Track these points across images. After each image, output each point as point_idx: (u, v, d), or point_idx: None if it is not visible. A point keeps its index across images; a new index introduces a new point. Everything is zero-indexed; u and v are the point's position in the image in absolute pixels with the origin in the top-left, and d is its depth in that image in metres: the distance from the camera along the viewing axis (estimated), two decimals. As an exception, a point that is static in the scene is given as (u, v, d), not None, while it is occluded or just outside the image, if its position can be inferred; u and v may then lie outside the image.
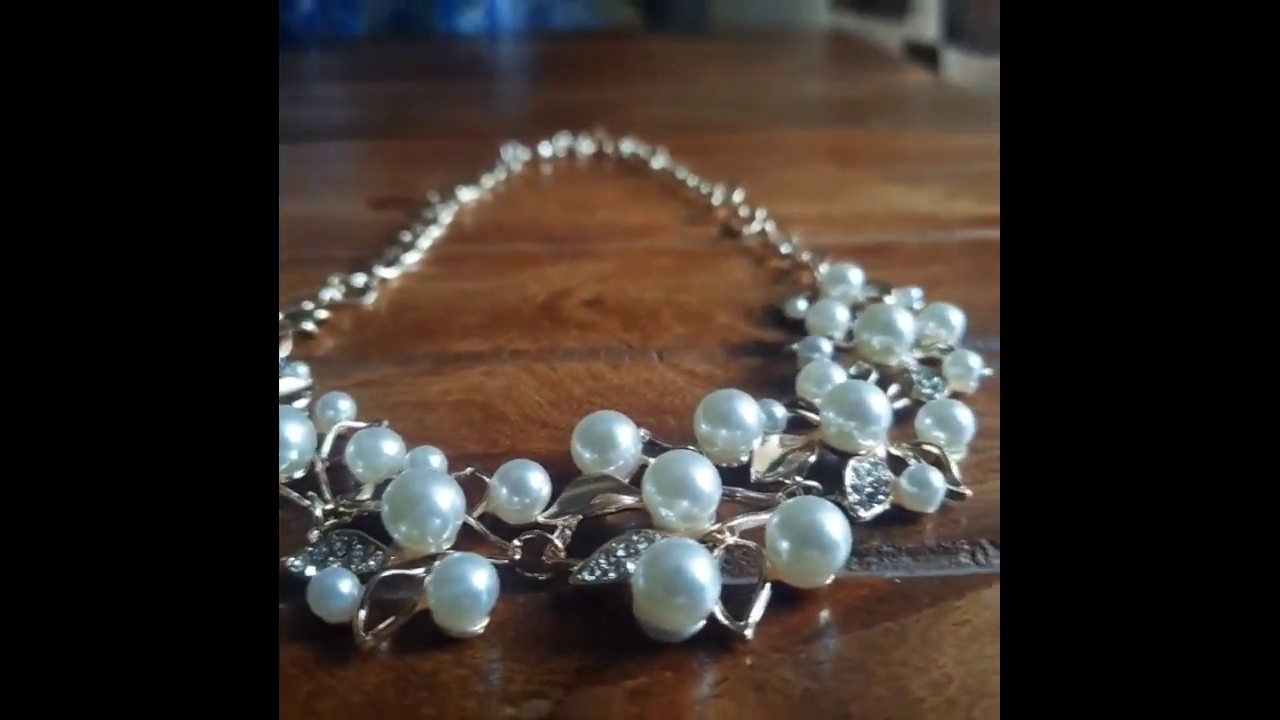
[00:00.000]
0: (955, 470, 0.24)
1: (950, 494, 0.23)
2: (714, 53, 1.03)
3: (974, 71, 0.99)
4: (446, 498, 0.21)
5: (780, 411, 0.26)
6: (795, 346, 0.30)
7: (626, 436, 0.24)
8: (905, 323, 0.29)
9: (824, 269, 0.37)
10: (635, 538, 0.21)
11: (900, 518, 0.23)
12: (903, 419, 0.26)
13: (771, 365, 0.31)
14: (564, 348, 0.32)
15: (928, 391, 0.28)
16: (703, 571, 0.19)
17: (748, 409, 0.24)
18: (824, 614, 0.20)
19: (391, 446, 0.24)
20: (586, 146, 0.58)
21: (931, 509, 0.23)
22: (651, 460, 0.23)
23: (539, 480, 0.22)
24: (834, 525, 0.20)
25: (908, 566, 0.22)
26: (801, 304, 0.34)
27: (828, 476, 0.24)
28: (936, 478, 0.23)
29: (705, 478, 0.21)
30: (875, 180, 0.52)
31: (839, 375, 0.27)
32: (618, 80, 0.86)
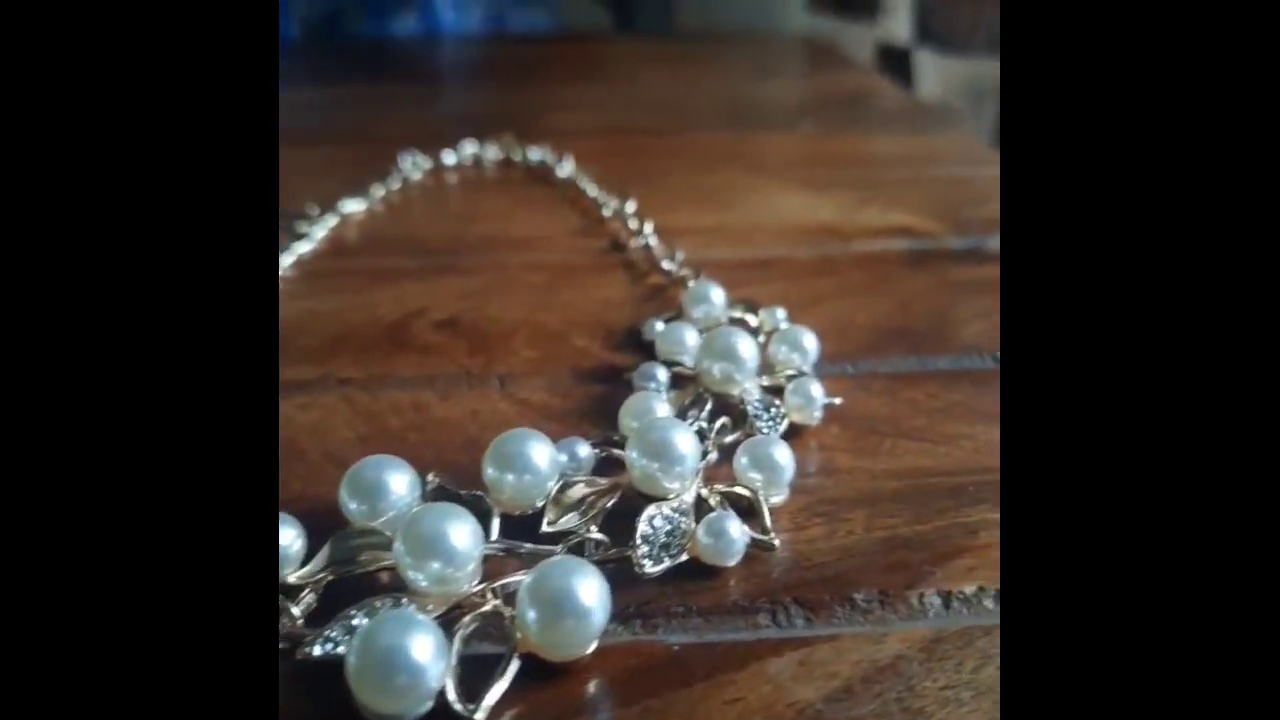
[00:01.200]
0: (766, 517, 0.22)
1: (756, 543, 0.21)
2: (667, 55, 1.01)
3: (945, 73, 0.97)
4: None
5: (585, 451, 0.23)
6: (632, 375, 0.28)
7: (401, 484, 0.21)
8: (746, 348, 0.27)
9: (690, 286, 0.34)
10: (379, 603, 0.19)
11: (698, 572, 0.21)
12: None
13: (615, 394, 0.29)
14: (397, 375, 0.30)
15: (763, 425, 0.25)
16: (424, 649, 0.16)
17: (539, 451, 0.22)
18: (579, 689, 0.18)
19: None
20: (493, 154, 0.56)
21: (730, 562, 0.21)
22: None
23: (289, 536, 0.20)
24: (587, 589, 0.18)
25: (697, 629, 0.20)
26: (658, 326, 0.32)
27: (629, 524, 0.22)
28: (736, 528, 0.21)
29: (462, 535, 0.19)
30: (782, 186, 0.50)
31: (661, 408, 0.25)
32: (550, 85, 0.84)
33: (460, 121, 0.68)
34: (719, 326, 0.29)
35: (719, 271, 0.38)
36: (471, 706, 0.17)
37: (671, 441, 0.22)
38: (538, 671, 0.18)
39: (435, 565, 0.19)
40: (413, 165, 0.53)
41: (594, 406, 0.28)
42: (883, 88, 0.83)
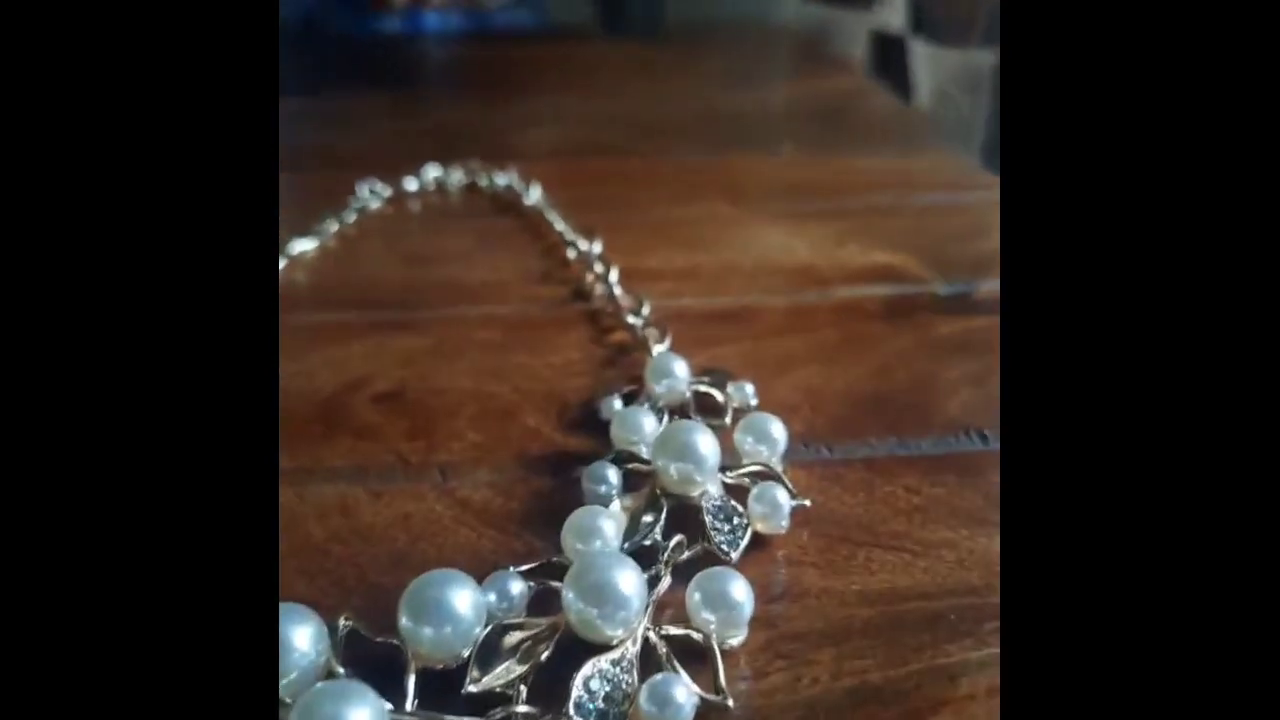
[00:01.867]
0: (720, 673, 0.19)
1: (706, 703, 0.19)
2: (651, 60, 0.97)
3: (941, 63, 0.94)
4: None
5: (518, 589, 0.21)
6: (582, 473, 0.25)
7: (303, 639, 0.19)
8: (706, 445, 0.24)
9: (655, 353, 0.32)
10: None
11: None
12: (695, 572, 0.22)
13: (564, 490, 0.26)
14: (328, 465, 0.28)
15: (724, 541, 0.23)
16: None
17: (462, 598, 0.19)
18: None
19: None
20: (458, 178, 0.53)
21: (675, 733, 0.18)
22: (339, 671, 0.19)
23: None
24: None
25: None
26: (617, 404, 0.29)
27: (568, 674, 0.19)
28: (683, 693, 0.18)
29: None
30: (761, 219, 0.47)
31: (609, 528, 0.22)
32: (528, 94, 0.80)
33: (430, 135, 0.65)
34: (676, 421, 0.26)
35: (688, 325, 0.35)
36: None
37: (614, 584, 0.19)
38: None
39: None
40: (371, 194, 0.50)
41: (540, 507, 0.26)
42: (871, 92, 0.80)
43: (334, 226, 0.46)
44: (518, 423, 0.30)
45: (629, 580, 0.20)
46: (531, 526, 0.25)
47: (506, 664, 0.19)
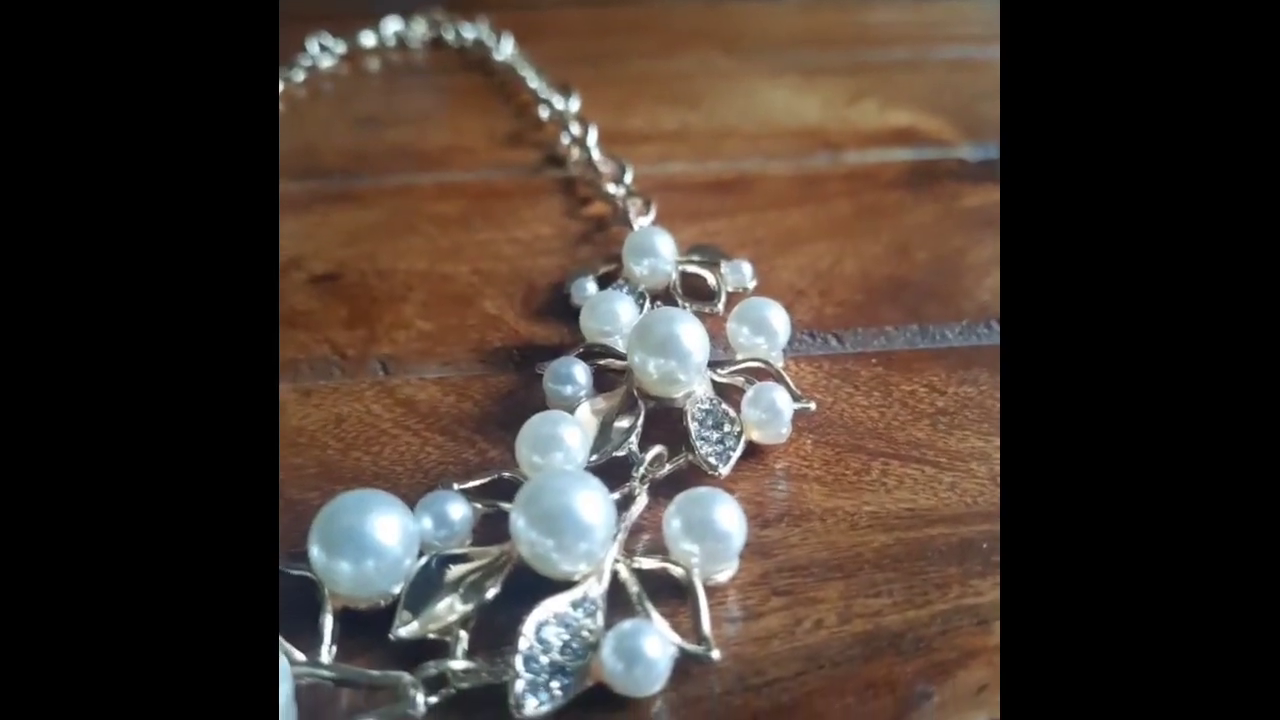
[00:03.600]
0: (703, 615, 0.16)
1: (685, 655, 0.15)
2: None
3: None
4: None
5: (459, 513, 0.17)
6: (543, 371, 0.21)
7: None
8: (692, 337, 0.20)
9: (637, 227, 0.27)
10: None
11: (610, 701, 0.15)
12: (678, 487, 0.18)
13: (527, 390, 0.22)
14: (252, 359, 0.24)
15: (710, 454, 0.19)
16: None
17: (386, 526, 0.16)
18: None
19: None
20: (421, 32, 0.47)
21: (649, 693, 0.15)
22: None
23: None
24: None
25: None
26: (590, 286, 0.25)
27: (520, 615, 0.16)
28: (656, 646, 0.15)
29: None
30: (762, 74, 0.42)
31: (573, 438, 0.18)
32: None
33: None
34: (655, 309, 0.22)
35: (677, 196, 0.31)
36: None
37: (573, 509, 0.16)
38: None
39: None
40: (321, 50, 0.44)
41: (497, 410, 0.22)
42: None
43: (280, 87, 0.41)
44: (475, 309, 0.25)
45: (592, 504, 0.16)
46: (486, 432, 0.21)
47: (445, 603, 0.16)
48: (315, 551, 0.16)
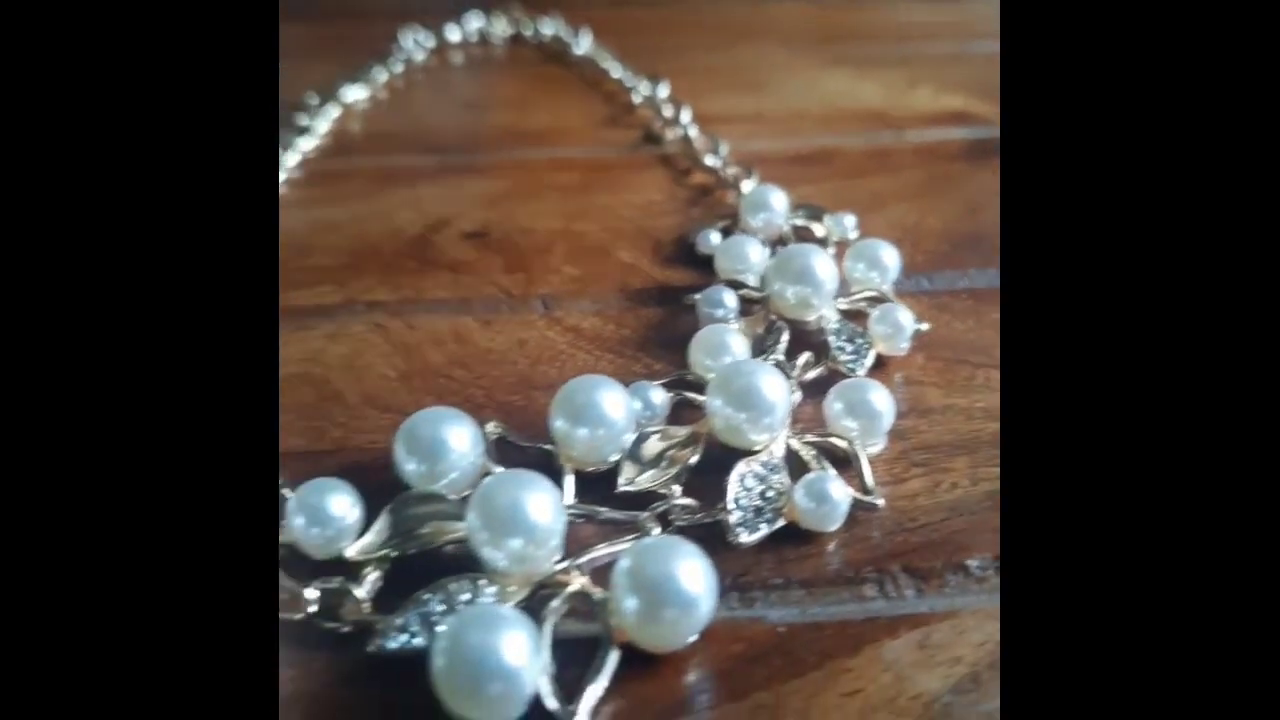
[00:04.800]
0: (867, 473, 0.20)
1: (859, 504, 0.19)
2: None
3: None
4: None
5: (660, 398, 0.21)
6: (696, 298, 0.25)
7: (462, 440, 0.19)
8: (824, 269, 0.24)
9: (747, 189, 0.31)
10: (454, 586, 0.17)
11: (796, 536, 0.19)
12: (819, 390, 0.22)
13: (674, 319, 0.26)
14: (431, 297, 0.27)
15: (848, 360, 0.23)
16: (517, 649, 0.15)
17: (614, 401, 0.20)
18: (684, 680, 0.16)
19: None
20: (502, 28, 0.51)
21: (833, 528, 0.19)
22: (498, 470, 0.19)
23: (343, 505, 0.18)
24: (695, 577, 0.16)
25: (799, 603, 0.18)
26: (715, 237, 0.29)
27: (714, 479, 0.19)
28: (839, 489, 0.19)
29: (542, 506, 0.17)
30: (820, 64, 0.46)
31: (738, 344, 0.22)
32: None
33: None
34: (792, 244, 0.26)
35: (766, 167, 0.34)
36: (570, 708, 0.15)
37: (759, 389, 0.20)
38: (635, 661, 0.16)
39: (515, 543, 0.17)
40: (415, 44, 0.48)
41: (652, 334, 0.26)
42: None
43: (383, 75, 0.44)
44: (613, 258, 0.29)
45: (775, 386, 0.20)
46: (648, 350, 0.25)
47: (660, 466, 0.20)
48: (559, 423, 0.20)
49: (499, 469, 0.19)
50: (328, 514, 0.18)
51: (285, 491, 0.19)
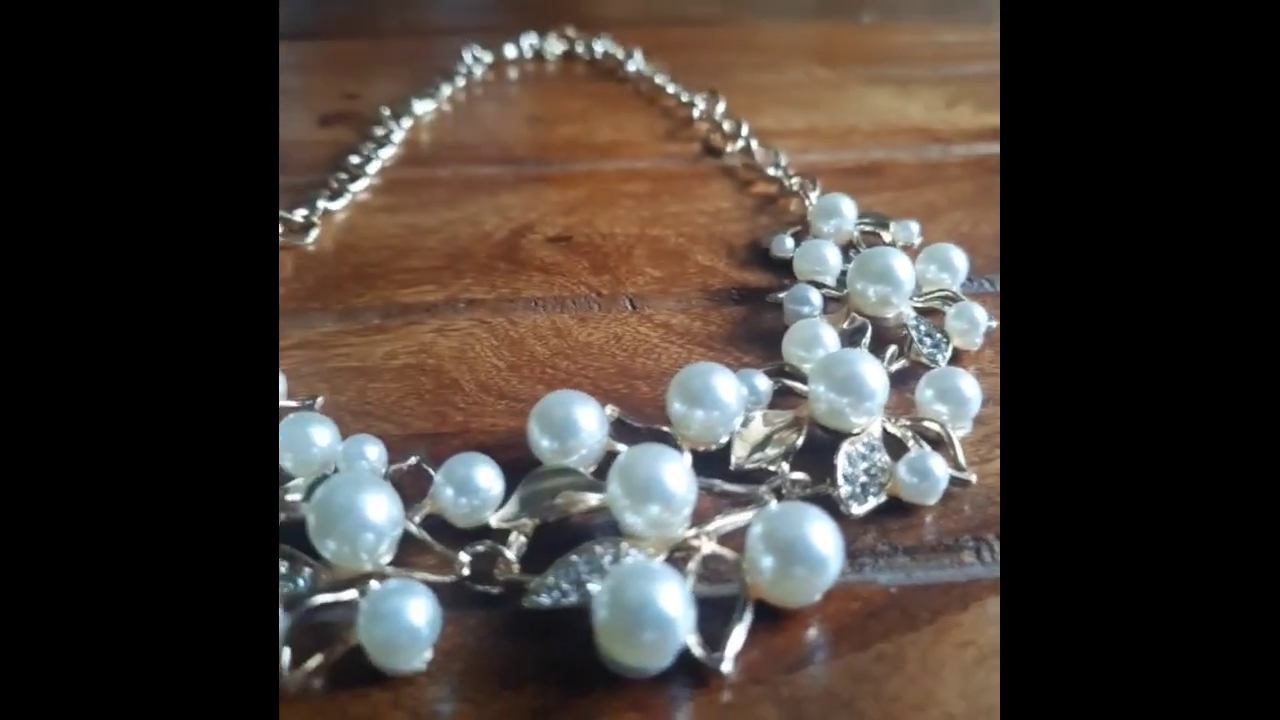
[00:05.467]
0: (959, 452, 0.21)
1: (953, 480, 0.21)
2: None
3: None
4: (380, 507, 0.18)
5: (764, 384, 0.23)
6: (781, 296, 0.27)
7: (590, 420, 0.21)
8: (904, 269, 0.26)
9: (814, 198, 0.33)
10: (599, 549, 0.19)
11: (895, 508, 0.21)
12: (900, 380, 0.24)
13: (756, 316, 0.28)
14: (526, 296, 0.29)
15: (929, 352, 0.25)
16: (674, 603, 0.16)
17: (726, 385, 0.21)
18: (810, 633, 0.18)
19: (323, 435, 0.21)
20: (555, 46, 0.53)
21: (933, 501, 0.20)
22: (621, 447, 0.21)
23: (489, 477, 0.20)
24: (824, 539, 0.17)
25: (905, 568, 0.19)
26: (789, 241, 0.31)
27: (816, 459, 0.21)
28: (939, 465, 0.20)
29: (677, 477, 0.19)
30: (863, 83, 0.48)
31: (830, 337, 0.24)
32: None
33: (501, 8, 0.64)
34: (871, 248, 0.28)
35: (825, 178, 0.36)
36: (717, 655, 0.17)
37: (861, 376, 0.21)
38: (765, 616, 0.18)
39: (654, 509, 0.18)
40: (473, 60, 0.50)
41: (737, 330, 0.27)
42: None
43: (447, 90, 0.47)
44: (691, 260, 0.31)
45: (875, 374, 0.22)
46: (736, 344, 0.27)
47: (764, 449, 0.22)
48: (677, 405, 0.21)
49: (622, 446, 0.21)
50: (475, 485, 0.20)
51: (429, 468, 0.21)
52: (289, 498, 0.20)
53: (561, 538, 0.19)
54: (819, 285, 0.28)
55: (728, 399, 0.21)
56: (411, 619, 0.17)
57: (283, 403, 0.23)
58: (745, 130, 0.39)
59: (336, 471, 0.21)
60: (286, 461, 0.21)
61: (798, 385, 0.23)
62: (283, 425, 0.21)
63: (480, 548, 0.19)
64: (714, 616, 0.18)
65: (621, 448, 0.21)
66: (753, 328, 0.27)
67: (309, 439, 0.21)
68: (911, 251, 0.29)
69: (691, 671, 0.17)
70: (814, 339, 0.24)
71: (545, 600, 0.18)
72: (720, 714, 0.16)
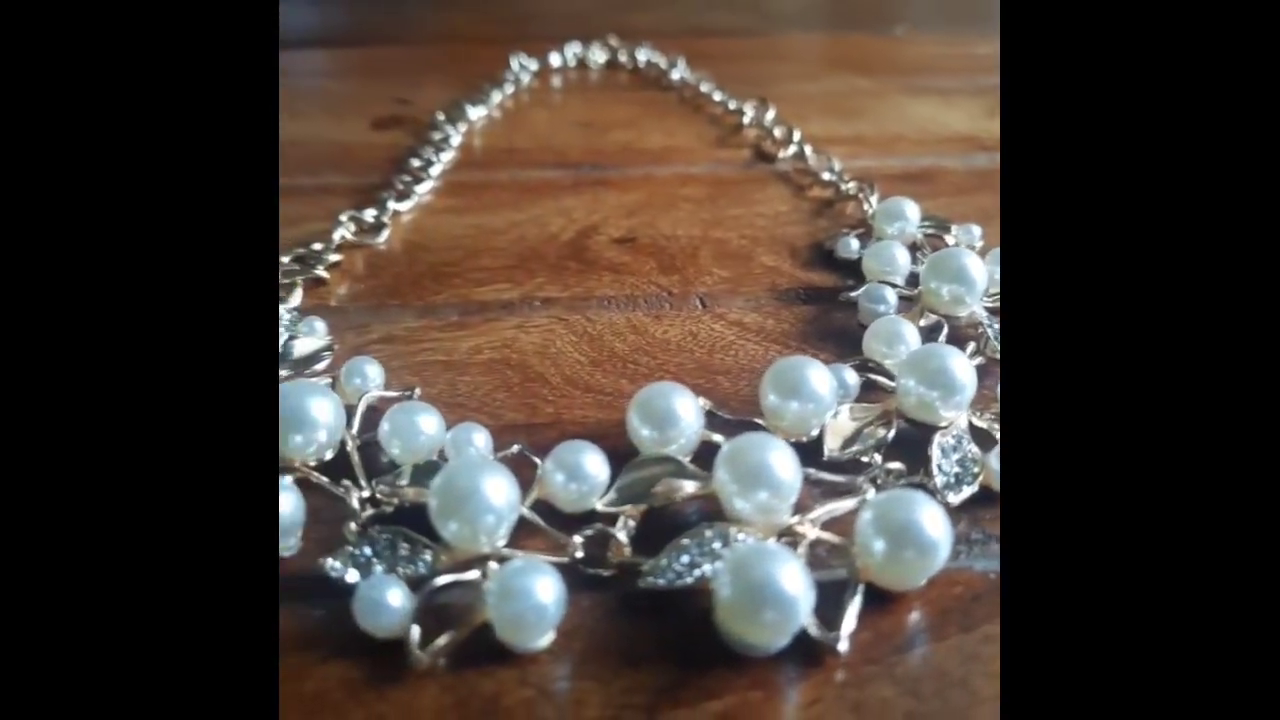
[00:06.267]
0: (1045, 445, 0.22)
1: (1041, 472, 0.21)
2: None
3: None
4: (500, 491, 0.19)
5: (852, 379, 0.23)
6: (855, 295, 0.28)
7: (688, 410, 0.21)
8: (977, 269, 0.26)
9: (874, 201, 0.34)
10: (709, 534, 0.19)
11: (986, 498, 0.21)
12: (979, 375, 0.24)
13: (826, 314, 0.29)
14: (598, 295, 0.30)
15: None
16: (795, 583, 0.17)
17: (820, 379, 0.22)
18: (917, 616, 0.18)
19: (430, 423, 0.22)
20: (598, 55, 0.54)
21: (1024, 490, 0.21)
22: (717, 437, 0.21)
23: (597, 464, 0.20)
24: (934, 523, 0.18)
25: (998, 556, 0.20)
26: (854, 243, 0.31)
27: (906, 452, 0.22)
28: (1030, 457, 0.21)
29: (785, 464, 0.19)
30: (904, 93, 0.49)
31: (911, 334, 0.25)
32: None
33: (541, 18, 0.65)
34: (948, 248, 0.28)
35: (878, 184, 0.37)
36: (834, 634, 0.17)
37: (951, 370, 0.22)
38: (872, 600, 0.19)
39: (762, 495, 0.19)
40: (520, 68, 0.51)
41: (810, 328, 0.28)
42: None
43: (497, 97, 0.47)
44: (756, 261, 0.32)
45: (964, 368, 0.22)
46: (810, 341, 0.27)
47: (856, 441, 0.22)
48: (771, 397, 0.22)
49: (717, 437, 0.21)
50: (584, 471, 0.20)
51: (532, 456, 0.21)
52: (399, 483, 0.21)
53: (662, 522, 0.20)
54: (889, 285, 0.28)
55: (822, 391, 0.22)
56: (540, 597, 0.17)
57: (382, 393, 0.24)
58: (797, 136, 0.40)
59: (442, 458, 0.21)
60: (394, 449, 0.21)
61: (883, 380, 0.24)
62: (390, 414, 0.22)
63: (590, 531, 0.20)
64: (821, 600, 0.18)
65: (717, 438, 0.21)
66: (823, 326, 0.28)
67: (416, 427, 0.21)
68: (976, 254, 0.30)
69: (806, 651, 0.17)
70: (895, 335, 0.25)
71: (660, 581, 0.18)
72: (838, 692, 0.17)
